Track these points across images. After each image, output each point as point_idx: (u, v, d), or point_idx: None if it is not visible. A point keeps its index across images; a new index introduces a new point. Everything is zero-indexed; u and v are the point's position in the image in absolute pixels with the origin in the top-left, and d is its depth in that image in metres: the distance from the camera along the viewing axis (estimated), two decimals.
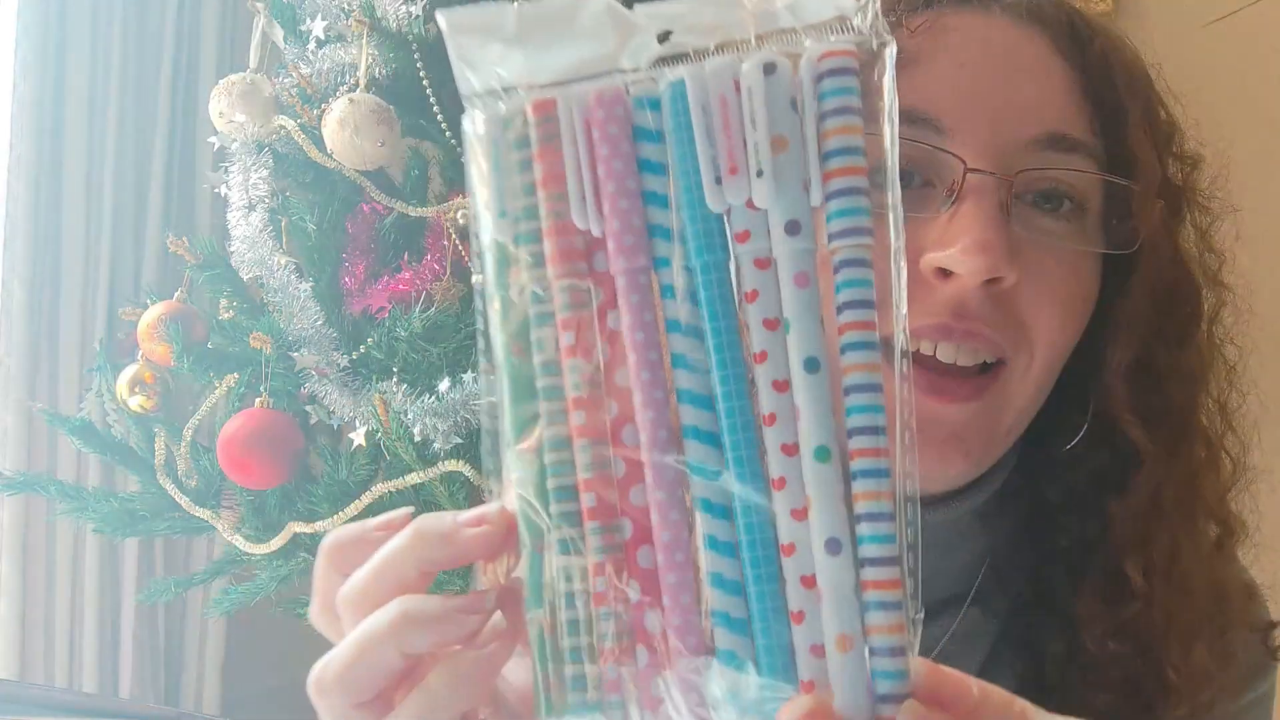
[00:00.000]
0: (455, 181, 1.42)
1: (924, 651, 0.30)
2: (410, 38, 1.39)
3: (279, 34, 1.51)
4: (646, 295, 0.31)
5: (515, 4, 0.32)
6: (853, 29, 0.30)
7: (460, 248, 1.33)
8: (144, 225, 1.92)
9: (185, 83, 1.96)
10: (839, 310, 0.30)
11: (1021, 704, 0.32)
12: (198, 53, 1.98)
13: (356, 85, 1.37)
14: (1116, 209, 0.55)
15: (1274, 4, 1.67)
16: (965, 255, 0.50)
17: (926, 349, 0.53)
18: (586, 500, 0.31)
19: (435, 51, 1.41)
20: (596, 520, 0.31)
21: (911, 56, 0.54)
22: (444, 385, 1.28)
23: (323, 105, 1.38)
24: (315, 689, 0.35)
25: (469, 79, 0.32)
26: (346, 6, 1.42)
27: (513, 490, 0.33)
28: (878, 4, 0.31)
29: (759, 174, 0.30)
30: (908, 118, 0.53)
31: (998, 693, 0.31)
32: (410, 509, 0.37)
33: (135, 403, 1.46)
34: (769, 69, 0.30)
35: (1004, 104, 0.53)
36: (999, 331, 0.53)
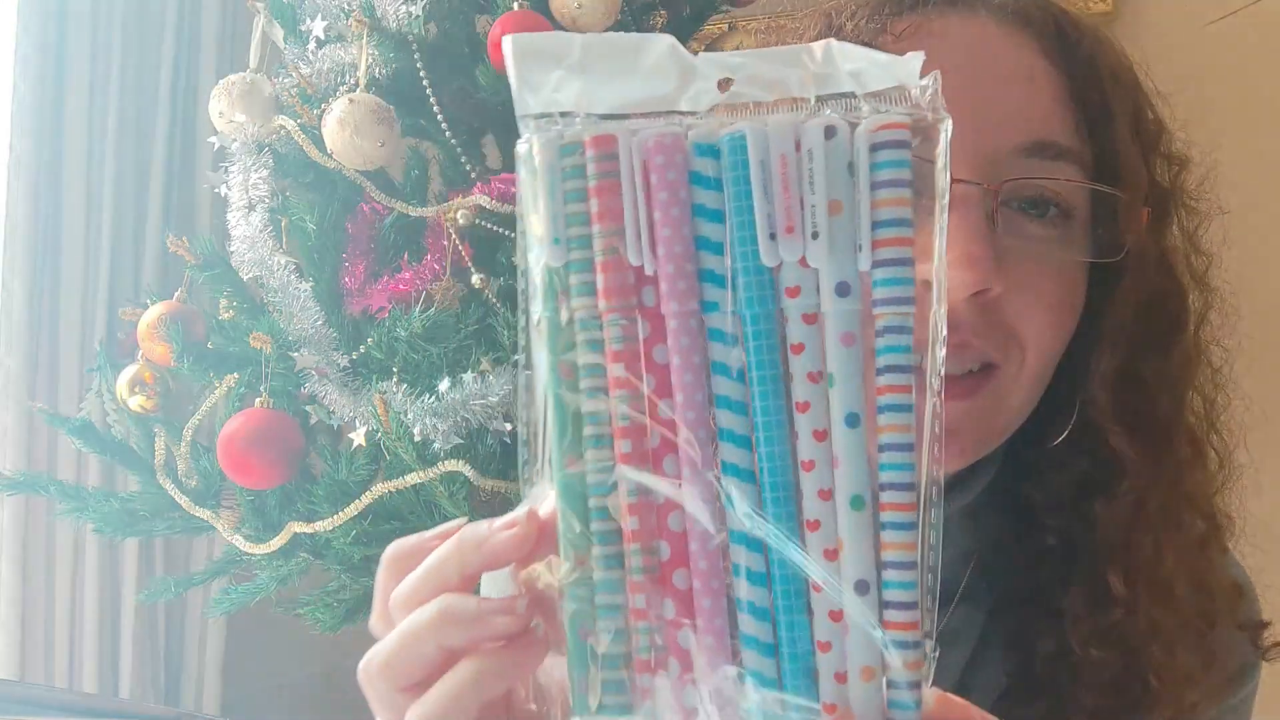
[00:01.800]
0: (455, 181, 1.42)
1: None
2: (410, 38, 1.39)
3: (279, 34, 1.51)
4: (696, 338, 0.33)
5: (582, 35, 0.33)
6: (909, 100, 0.32)
7: (460, 248, 1.33)
8: (144, 225, 1.92)
9: (185, 83, 1.96)
10: (879, 373, 0.32)
11: None
12: (198, 53, 1.98)
13: (356, 85, 1.37)
14: (1103, 216, 0.55)
15: (1274, 4, 1.67)
16: (951, 270, 0.50)
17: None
18: (630, 523, 0.33)
19: (435, 51, 1.41)
20: (637, 542, 0.33)
21: None
22: (444, 385, 1.28)
23: (323, 105, 1.38)
24: (363, 676, 0.39)
25: (528, 101, 0.33)
26: (346, 6, 1.42)
27: (552, 503, 0.35)
28: (939, 83, 0.32)
29: (814, 235, 0.32)
30: None
31: None
32: (464, 518, 0.39)
33: (135, 403, 1.46)
34: (830, 132, 0.31)
35: (989, 112, 0.53)
36: (987, 340, 0.53)
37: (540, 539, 0.35)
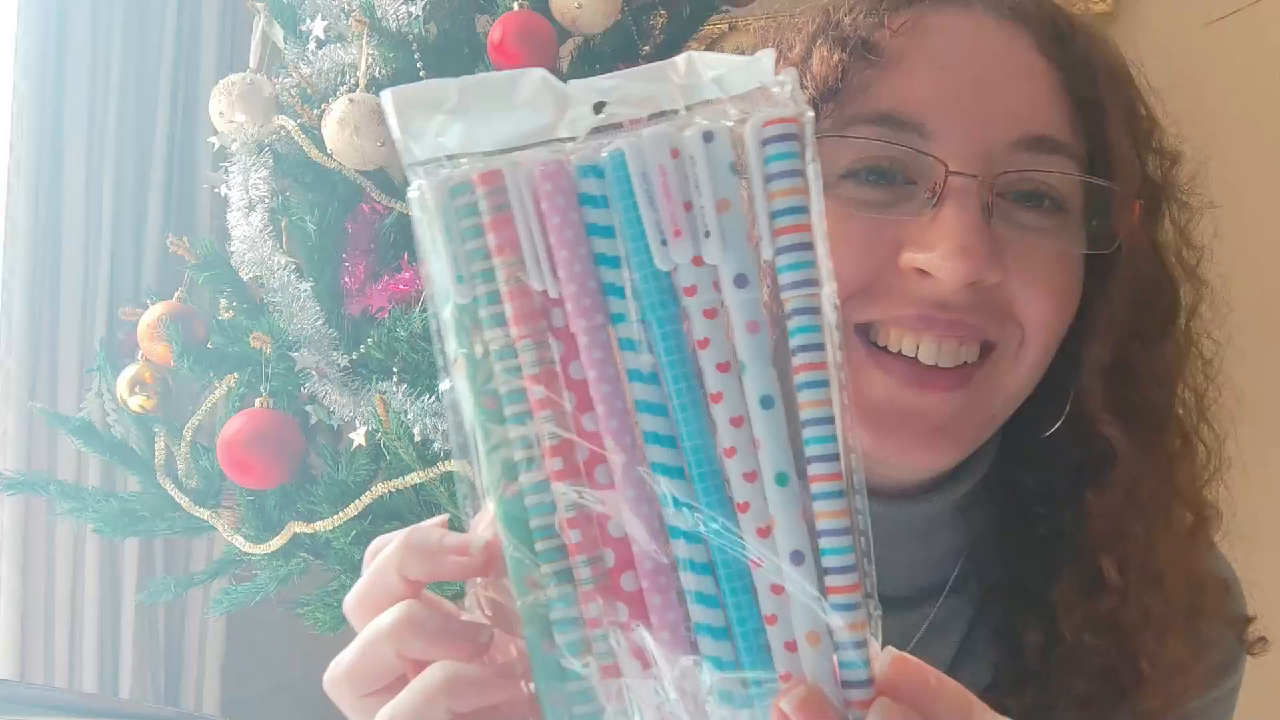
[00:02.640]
0: None
1: (902, 639, 0.32)
2: (410, 38, 1.39)
3: (279, 34, 1.51)
4: (607, 350, 0.34)
5: (458, 79, 0.34)
6: (770, 99, 0.33)
7: None
8: (144, 225, 1.92)
9: (185, 83, 1.96)
10: (794, 353, 0.33)
11: (977, 702, 0.35)
12: (198, 53, 1.98)
13: (356, 85, 1.37)
14: (1097, 209, 0.56)
15: (1274, 4, 1.67)
16: (947, 260, 0.51)
17: (908, 348, 0.53)
18: (572, 537, 0.34)
19: (435, 51, 1.41)
20: (582, 554, 0.34)
21: (894, 57, 0.55)
22: (444, 385, 1.28)
23: (323, 105, 1.38)
24: (328, 682, 0.39)
25: (413, 150, 0.34)
26: (346, 6, 1.42)
27: (495, 529, 0.36)
28: (796, 78, 0.33)
29: (706, 234, 0.33)
30: (891, 120, 0.54)
31: (954, 685, 0.34)
32: (439, 518, 0.40)
33: (135, 403, 1.45)
34: (708, 137, 0.33)
35: (985, 106, 0.54)
36: (985, 319, 0.54)
37: (487, 566, 0.36)
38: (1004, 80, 0.55)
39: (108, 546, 1.88)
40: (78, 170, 1.86)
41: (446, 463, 1.29)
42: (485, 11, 1.44)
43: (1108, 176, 0.55)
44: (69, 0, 1.85)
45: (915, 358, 0.53)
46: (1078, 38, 0.57)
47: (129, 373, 1.47)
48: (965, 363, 0.54)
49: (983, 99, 0.54)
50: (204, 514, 1.41)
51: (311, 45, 1.46)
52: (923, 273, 0.52)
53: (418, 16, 1.37)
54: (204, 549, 1.96)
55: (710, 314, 0.34)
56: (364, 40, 1.37)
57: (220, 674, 2.01)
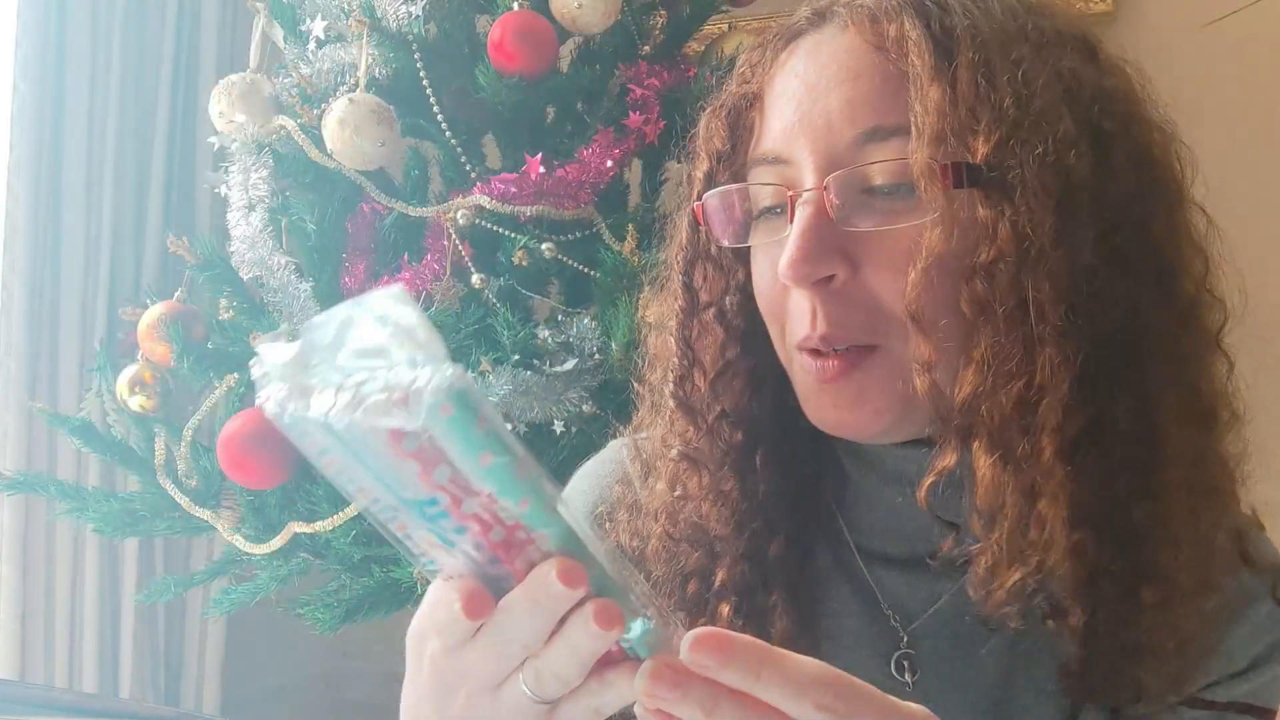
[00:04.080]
0: (455, 181, 1.42)
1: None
2: (410, 38, 1.39)
3: (279, 34, 1.51)
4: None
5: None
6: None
7: (460, 248, 1.33)
8: (144, 225, 1.92)
9: (185, 83, 1.96)
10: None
11: (771, 649, 0.40)
12: (198, 53, 1.98)
13: (356, 85, 1.37)
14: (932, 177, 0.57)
15: (1274, 4, 1.67)
16: (784, 269, 0.57)
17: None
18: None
19: (435, 51, 1.41)
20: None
21: (769, 98, 0.62)
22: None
23: (323, 105, 1.38)
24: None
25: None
26: (346, 6, 1.42)
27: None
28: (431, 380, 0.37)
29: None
30: (767, 158, 0.61)
31: (745, 641, 0.40)
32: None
33: (135, 403, 1.46)
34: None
35: (822, 116, 0.59)
36: (855, 323, 0.58)
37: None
38: (836, 86, 0.59)
39: (108, 546, 1.88)
40: (78, 170, 1.86)
41: None
42: (485, 11, 1.45)
43: (937, 147, 0.56)
44: (69, 0, 1.85)
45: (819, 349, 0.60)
46: (949, 15, 0.59)
47: (129, 373, 1.47)
48: (848, 348, 0.59)
49: (821, 111, 0.59)
50: (204, 514, 1.41)
51: (311, 45, 1.46)
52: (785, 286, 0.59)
53: (418, 16, 1.37)
54: (204, 549, 1.96)
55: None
56: (364, 40, 1.37)
57: (220, 674, 2.01)
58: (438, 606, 0.44)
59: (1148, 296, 0.58)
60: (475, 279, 1.32)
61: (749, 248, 0.64)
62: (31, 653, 1.82)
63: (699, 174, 0.66)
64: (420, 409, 0.36)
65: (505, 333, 1.30)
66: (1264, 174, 1.71)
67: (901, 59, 0.58)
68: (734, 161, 0.64)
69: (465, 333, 1.30)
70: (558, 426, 1.28)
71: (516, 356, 1.29)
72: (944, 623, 0.64)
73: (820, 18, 0.63)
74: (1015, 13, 0.60)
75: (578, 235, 1.37)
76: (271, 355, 0.40)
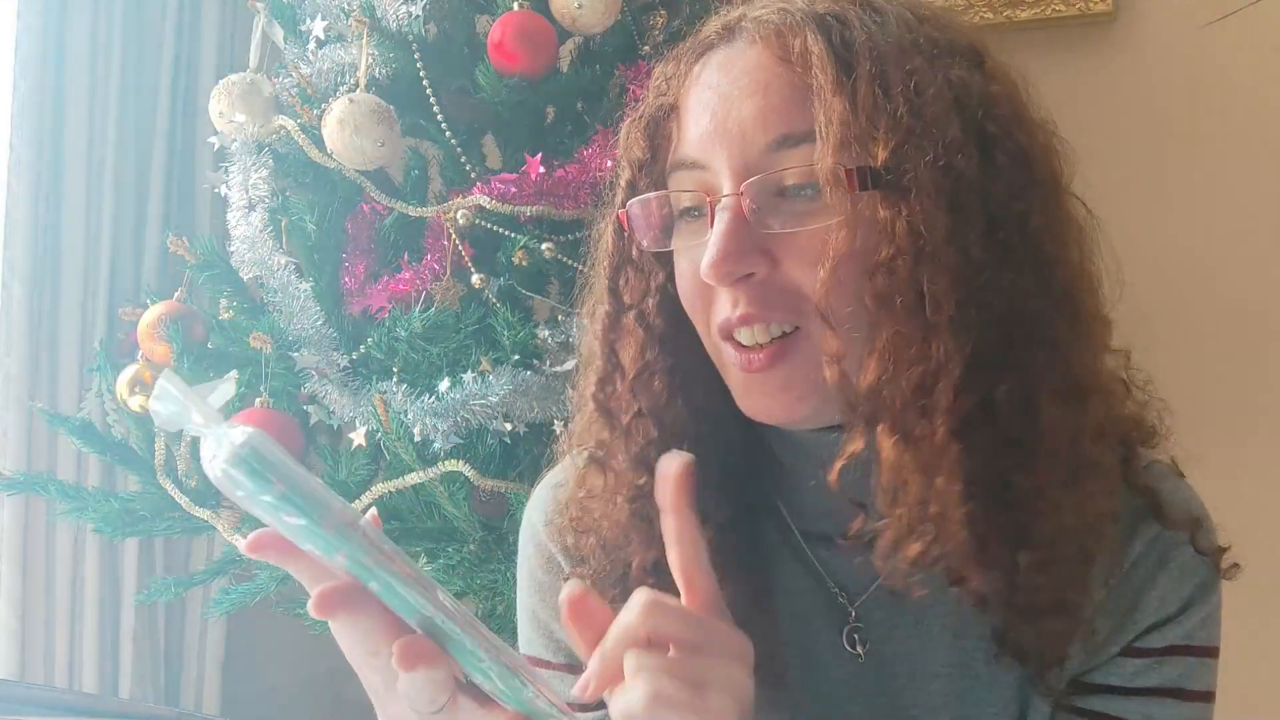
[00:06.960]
0: (455, 181, 1.42)
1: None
2: (410, 38, 1.39)
3: (279, 34, 1.52)
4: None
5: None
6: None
7: (460, 248, 1.33)
8: (144, 225, 1.92)
9: (185, 83, 1.96)
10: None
11: (644, 591, 0.50)
12: (198, 53, 1.98)
13: (356, 85, 1.37)
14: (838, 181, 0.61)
15: (1274, 4, 1.67)
16: (706, 270, 0.62)
17: (743, 338, 0.64)
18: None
19: (435, 51, 1.41)
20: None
21: (685, 108, 0.66)
22: (444, 385, 1.28)
23: (323, 105, 1.38)
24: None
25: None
26: (346, 6, 1.42)
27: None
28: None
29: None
30: (684, 163, 0.66)
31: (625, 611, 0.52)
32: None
33: (135, 403, 1.46)
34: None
35: (736, 125, 0.63)
36: (773, 310, 0.63)
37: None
38: (748, 97, 0.63)
39: (108, 546, 1.88)
40: (78, 170, 1.86)
41: (446, 463, 1.29)
42: (485, 11, 1.45)
43: (843, 152, 0.60)
44: (69, 0, 1.85)
45: (740, 341, 0.64)
46: (849, 30, 0.63)
47: (129, 373, 1.47)
48: (784, 333, 0.63)
49: (735, 119, 0.63)
50: (204, 514, 1.41)
51: (311, 45, 1.46)
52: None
53: (418, 16, 1.37)
54: (204, 549, 1.96)
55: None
56: (364, 40, 1.37)
57: (220, 674, 2.01)
58: None
59: (1027, 286, 0.62)
60: (475, 279, 1.32)
61: (670, 251, 0.68)
62: (31, 653, 1.82)
63: (621, 182, 0.70)
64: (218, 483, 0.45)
65: (505, 333, 1.30)
66: (1264, 174, 1.71)
67: (806, 72, 0.62)
68: (654, 170, 0.69)
69: (465, 333, 1.30)
70: (557, 426, 1.28)
71: (516, 356, 1.29)
72: (891, 595, 0.67)
73: (730, 32, 0.67)
74: (910, 25, 0.65)
75: (578, 235, 1.37)
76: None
